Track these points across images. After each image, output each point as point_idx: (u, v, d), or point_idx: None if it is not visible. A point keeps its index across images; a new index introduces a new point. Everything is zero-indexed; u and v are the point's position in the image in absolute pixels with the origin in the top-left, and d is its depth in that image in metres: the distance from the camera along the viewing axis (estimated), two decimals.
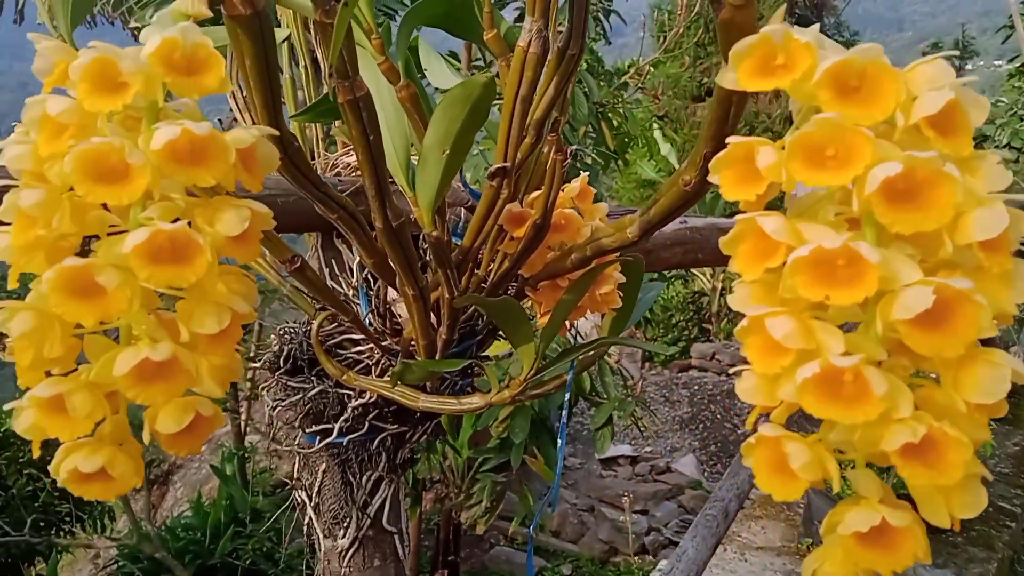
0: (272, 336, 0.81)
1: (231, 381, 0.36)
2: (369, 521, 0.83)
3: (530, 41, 0.51)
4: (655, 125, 7.21)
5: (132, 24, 5.25)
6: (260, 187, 0.37)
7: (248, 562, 4.53)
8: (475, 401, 0.73)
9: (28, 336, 0.32)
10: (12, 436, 4.54)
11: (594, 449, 6.88)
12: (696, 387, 7.57)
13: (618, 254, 0.65)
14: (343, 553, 0.83)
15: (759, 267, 0.31)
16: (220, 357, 0.35)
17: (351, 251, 0.77)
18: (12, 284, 0.34)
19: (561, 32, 0.58)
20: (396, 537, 0.85)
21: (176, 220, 0.34)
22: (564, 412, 0.82)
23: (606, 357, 1.97)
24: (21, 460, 4.49)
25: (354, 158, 0.85)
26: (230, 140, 0.34)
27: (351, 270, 0.78)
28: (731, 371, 0.34)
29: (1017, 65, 10.89)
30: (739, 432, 7.34)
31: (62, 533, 4.59)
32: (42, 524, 4.38)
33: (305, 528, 0.85)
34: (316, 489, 0.82)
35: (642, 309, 0.83)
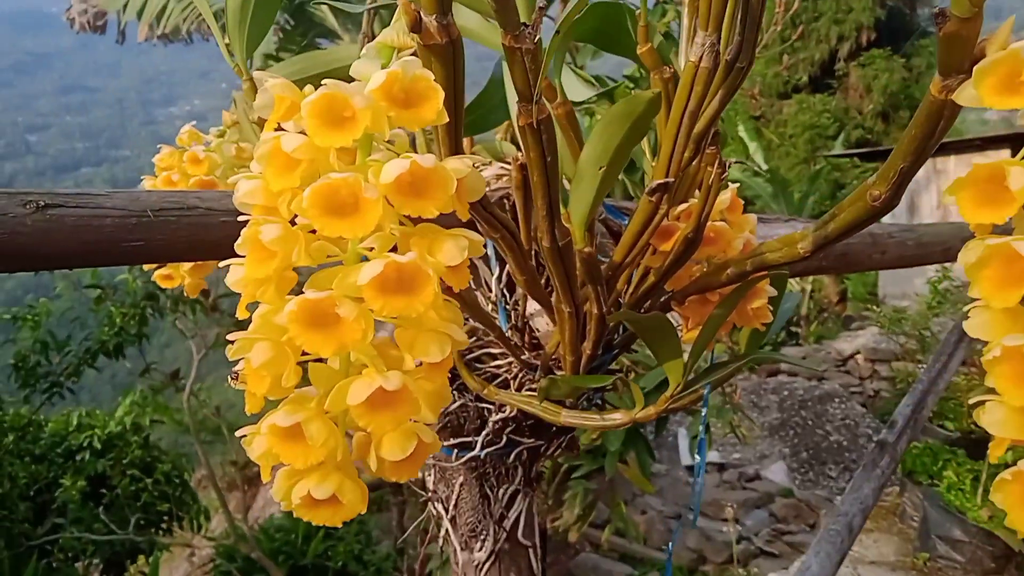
0: None
1: (442, 406, 0.37)
2: (505, 535, 0.83)
3: (702, 56, 0.50)
4: (740, 125, 7.08)
5: (226, 40, 5.45)
6: (468, 215, 0.37)
7: (339, 564, 4.62)
8: (618, 417, 0.72)
9: (267, 366, 0.33)
10: (117, 439, 4.73)
11: (679, 455, 6.80)
12: (785, 392, 7.38)
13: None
14: (479, 566, 0.83)
15: (1011, 295, 0.30)
16: (437, 384, 0.35)
17: (488, 266, 0.78)
18: (243, 314, 0.35)
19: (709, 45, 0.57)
20: (531, 550, 0.85)
21: (393, 249, 0.34)
22: (702, 427, 0.81)
23: (701, 362, 1.92)
24: (124, 462, 4.67)
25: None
26: (441, 173, 0.34)
27: (487, 285, 0.79)
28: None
29: None
30: (831, 439, 7.13)
31: (161, 532, 4.77)
32: (143, 523, 4.55)
33: (440, 540, 0.86)
34: (453, 502, 0.83)
35: (781, 321, 0.81)
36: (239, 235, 0.59)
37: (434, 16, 0.40)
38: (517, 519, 0.82)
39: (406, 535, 4.76)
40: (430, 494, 0.85)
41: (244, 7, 0.59)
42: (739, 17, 0.50)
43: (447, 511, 0.83)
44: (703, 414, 0.77)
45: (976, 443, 2.25)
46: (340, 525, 0.34)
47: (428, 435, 0.35)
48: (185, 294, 0.92)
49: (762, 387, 7.62)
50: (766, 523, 5.69)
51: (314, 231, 0.34)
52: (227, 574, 4.54)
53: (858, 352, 8.23)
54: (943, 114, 0.39)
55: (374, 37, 1.03)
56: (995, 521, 1.99)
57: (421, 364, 0.35)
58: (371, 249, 0.35)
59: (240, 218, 0.34)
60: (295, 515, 0.35)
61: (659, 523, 5.80)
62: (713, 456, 6.58)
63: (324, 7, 4.95)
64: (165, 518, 4.74)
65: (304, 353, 0.34)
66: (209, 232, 0.61)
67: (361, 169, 0.34)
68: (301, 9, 4.96)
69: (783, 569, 5.02)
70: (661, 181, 0.56)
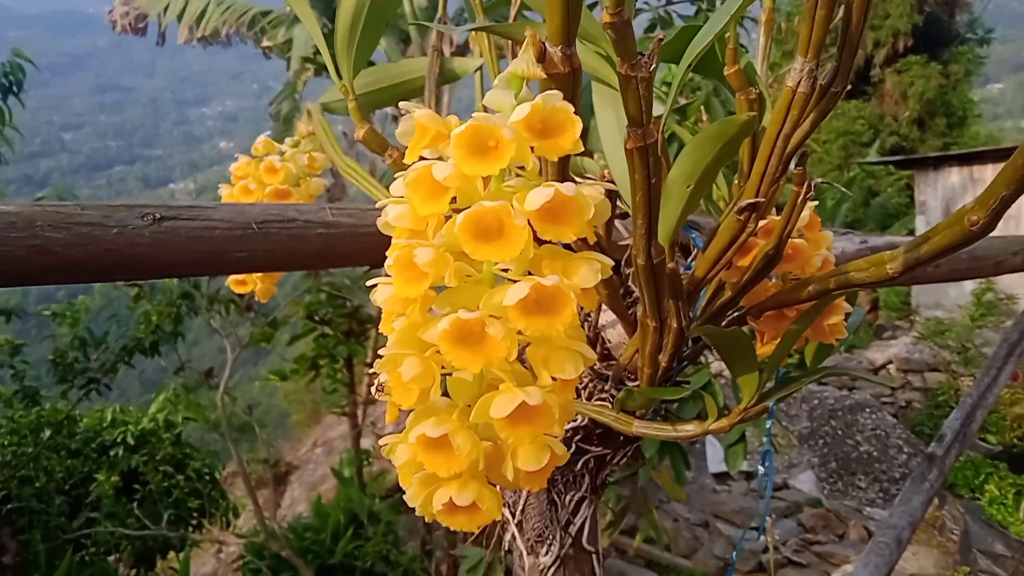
0: None
1: (566, 421, 0.38)
2: (571, 540, 0.85)
3: (800, 81, 0.52)
4: None
5: (264, 43, 5.52)
6: (594, 238, 0.39)
7: (368, 564, 4.65)
8: (690, 428, 0.73)
9: (416, 380, 0.35)
10: (149, 435, 4.80)
11: (706, 463, 6.78)
12: (815, 401, 7.33)
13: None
14: (544, 571, 0.85)
15: None
16: (565, 399, 0.37)
17: None
18: (387, 330, 0.37)
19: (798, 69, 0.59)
20: (594, 556, 0.87)
21: (528, 273, 0.36)
22: (767, 439, 0.82)
23: None
24: (157, 458, 4.73)
25: None
26: (581, 200, 0.36)
27: None
28: None
29: None
30: (861, 450, 7.07)
31: (191, 528, 4.82)
32: (174, 519, 4.60)
33: (505, 545, 0.88)
34: (520, 507, 0.85)
35: (848, 334, 0.82)
36: (335, 248, 0.61)
37: (559, 47, 0.42)
38: (582, 525, 0.84)
39: (434, 536, 4.78)
40: None
41: (353, 28, 0.61)
42: (839, 44, 0.52)
43: (513, 516, 0.85)
44: (768, 425, 0.79)
45: (1018, 457, 2.24)
46: (476, 530, 0.36)
47: (559, 448, 0.37)
48: (256, 298, 0.95)
49: (792, 396, 7.56)
50: (794, 532, 5.65)
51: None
52: (256, 571, 4.59)
53: (890, 362, 8.15)
54: None
55: (441, 51, 1.04)
56: None
57: (555, 380, 0.37)
58: (505, 271, 0.37)
59: (395, 240, 0.36)
60: (434, 519, 0.37)
61: (685, 530, 5.78)
62: (742, 465, 6.53)
63: None
64: (195, 514, 4.79)
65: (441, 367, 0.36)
66: (307, 243, 0.63)
67: (503, 195, 0.36)
68: (331, 10, 5.00)
69: None
70: (752, 201, 0.58)
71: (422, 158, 0.39)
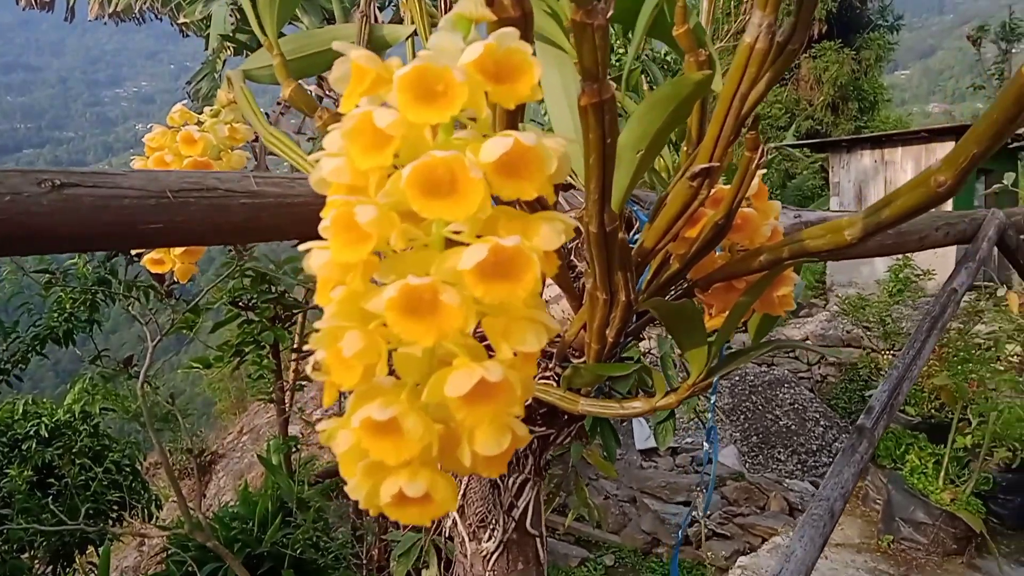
0: None
1: (526, 399, 0.35)
2: (514, 524, 0.82)
3: (758, 36, 0.49)
4: None
5: (181, 19, 5.29)
6: (554, 197, 0.35)
7: (297, 551, 4.57)
8: (638, 405, 0.71)
9: (359, 355, 0.31)
10: (64, 427, 4.61)
11: (633, 440, 6.87)
12: (736, 377, 7.52)
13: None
14: (487, 556, 0.82)
15: None
16: (526, 375, 0.34)
17: None
18: (324, 301, 0.33)
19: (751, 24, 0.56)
20: (537, 540, 0.84)
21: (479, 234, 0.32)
22: (711, 415, 0.80)
23: (670, 349, 1.95)
24: (73, 450, 4.56)
25: None
26: (542, 152, 0.32)
27: None
28: None
29: None
30: (780, 423, 7.28)
31: (112, 522, 4.66)
32: (92, 513, 4.44)
33: (445, 531, 0.84)
34: (461, 492, 0.82)
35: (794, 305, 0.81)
36: (260, 219, 0.56)
37: None
38: (526, 508, 0.81)
39: (364, 521, 4.72)
40: None
41: None
42: None
43: None
44: (712, 401, 0.77)
45: (936, 427, 2.31)
46: (429, 524, 0.32)
47: (520, 428, 0.33)
48: (175, 279, 0.89)
49: None
50: (718, 506, 5.79)
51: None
52: (180, 563, 4.45)
53: (807, 339, 8.41)
54: None
55: (369, 17, 0.99)
56: (957, 503, 2.04)
57: (516, 354, 0.33)
58: (457, 234, 0.33)
59: (331, 199, 0.32)
60: (379, 513, 0.33)
61: (613, 507, 5.86)
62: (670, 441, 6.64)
63: None
64: (115, 507, 4.63)
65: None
66: (229, 214, 0.58)
67: (455, 146, 0.32)
68: None
69: (735, 551, 5.12)
70: (705, 165, 0.55)
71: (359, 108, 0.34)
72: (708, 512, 5.68)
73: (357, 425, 0.31)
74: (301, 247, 0.33)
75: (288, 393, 5.46)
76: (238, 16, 4.93)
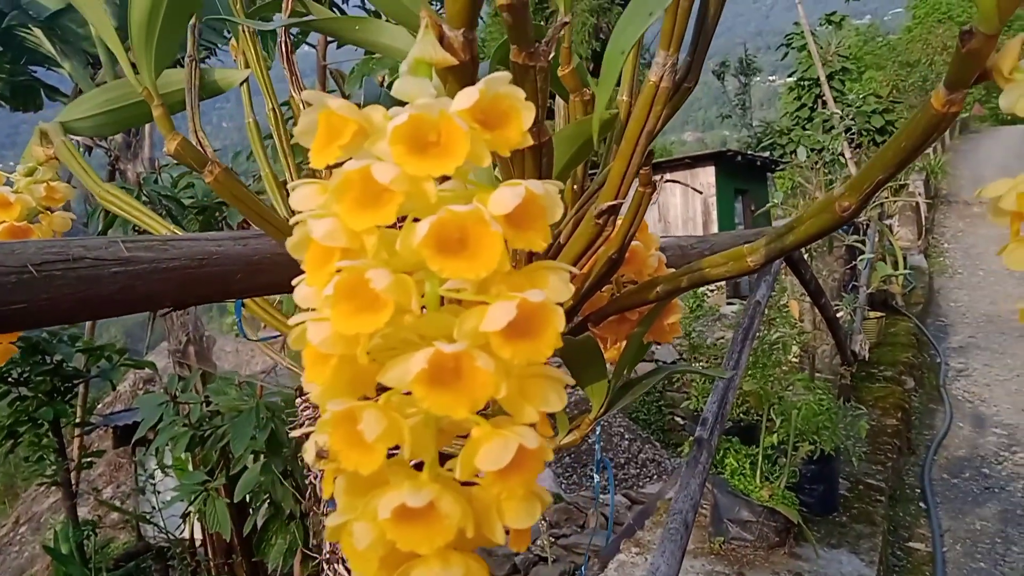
0: (299, 399, 0.74)
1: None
2: None
3: (662, 76, 0.50)
4: None
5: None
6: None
7: None
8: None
9: (382, 438, 0.28)
10: None
11: None
12: None
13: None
14: None
15: None
16: (547, 438, 0.32)
17: None
18: (315, 378, 0.29)
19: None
20: None
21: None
22: (598, 447, 0.81)
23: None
24: None
25: None
26: (548, 200, 0.31)
27: None
28: None
29: (796, 79, 12.07)
30: (588, 442, 7.55)
31: None
32: None
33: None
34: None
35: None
36: (135, 288, 0.50)
37: (461, 31, 0.37)
38: None
39: None
40: (327, 555, 0.77)
41: (152, 22, 0.50)
42: (693, 37, 0.51)
43: (349, 572, 0.76)
44: (597, 432, 0.78)
45: (747, 430, 2.49)
46: None
47: (546, 495, 0.31)
48: None
49: None
50: (540, 531, 5.88)
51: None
52: None
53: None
54: (940, 127, 0.41)
55: (195, 60, 0.93)
56: (775, 499, 2.20)
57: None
58: (458, 291, 0.31)
59: (313, 264, 0.29)
60: None
61: None
62: None
63: (39, 33, 4.44)
64: None
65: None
66: (100, 286, 0.51)
67: (459, 200, 0.30)
68: (10, 34, 4.41)
69: (562, 572, 5.22)
70: (612, 203, 0.55)
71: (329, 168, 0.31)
72: (533, 538, 5.76)
73: (388, 516, 0.27)
74: (291, 320, 0.30)
75: (74, 472, 4.95)
76: None
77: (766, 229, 1.68)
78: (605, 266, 0.64)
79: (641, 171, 0.60)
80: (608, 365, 0.75)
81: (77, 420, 4.92)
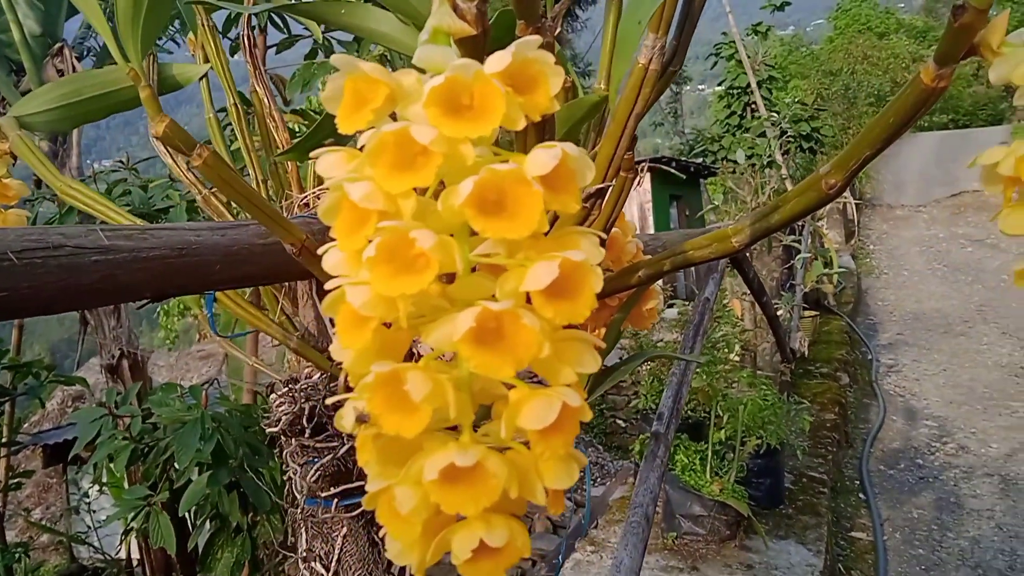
0: (274, 395, 0.73)
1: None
2: None
3: (651, 58, 0.51)
4: None
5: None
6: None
7: None
8: None
9: (428, 399, 0.27)
10: None
11: None
12: None
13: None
14: None
15: None
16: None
17: None
18: (350, 343, 0.29)
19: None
20: None
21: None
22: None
23: None
24: None
25: None
26: (580, 163, 0.31)
27: None
28: None
29: (725, 87, 12.34)
30: None
31: None
32: None
33: None
34: (335, 557, 0.75)
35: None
36: (116, 278, 0.49)
37: (475, 3, 0.37)
38: (405, 567, 0.76)
39: None
40: (303, 554, 0.75)
41: (137, 5, 0.48)
42: (679, 21, 0.52)
43: (328, 568, 0.74)
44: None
45: (695, 427, 2.53)
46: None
47: (581, 457, 0.31)
48: None
49: None
50: None
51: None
52: None
53: None
54: (928, 101, 0.43)
55: (153, 55, 0.91)
56: (725, 493, 2.24)
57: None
58: (490, 256, 0.31)
59: (344, 229, 0.28)
60: (461, 572, 0.29)
61: None
62: None
63: None
64: None
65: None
66: (81, 275, 0.49)
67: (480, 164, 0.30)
68: None
69: None
70: (600, 186, 0.56)
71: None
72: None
73: (435, 476, 0.27)
74: (328, 285, 0.29)
75: (2, 495, 4.75)
76: None
77: (710, 228, 1.71)
78: None
79: (625, 156, 0.60)
80: None
81: (3, 440, 4.71)
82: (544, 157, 0.29)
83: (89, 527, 4.54)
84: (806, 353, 4.46)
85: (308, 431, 0.69)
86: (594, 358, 0.31)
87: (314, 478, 0.72)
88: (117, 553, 4.46)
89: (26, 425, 7.18)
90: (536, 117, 0.31)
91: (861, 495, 3.48)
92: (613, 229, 0.68)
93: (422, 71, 0.32)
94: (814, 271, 4.95)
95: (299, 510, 0.74)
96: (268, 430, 0.74)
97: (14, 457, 5.29)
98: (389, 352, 0.31)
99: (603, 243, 0.65)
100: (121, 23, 0.49)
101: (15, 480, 4.87)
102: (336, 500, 0.72)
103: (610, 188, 0.57)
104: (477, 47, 0.38)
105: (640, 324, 0.71)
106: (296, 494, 0.73)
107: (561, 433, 0.29)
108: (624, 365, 0.73)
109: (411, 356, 0.33)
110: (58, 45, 4.14)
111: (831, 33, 21.66)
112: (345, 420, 0.29)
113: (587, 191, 0.57)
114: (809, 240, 4.90)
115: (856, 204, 10.25)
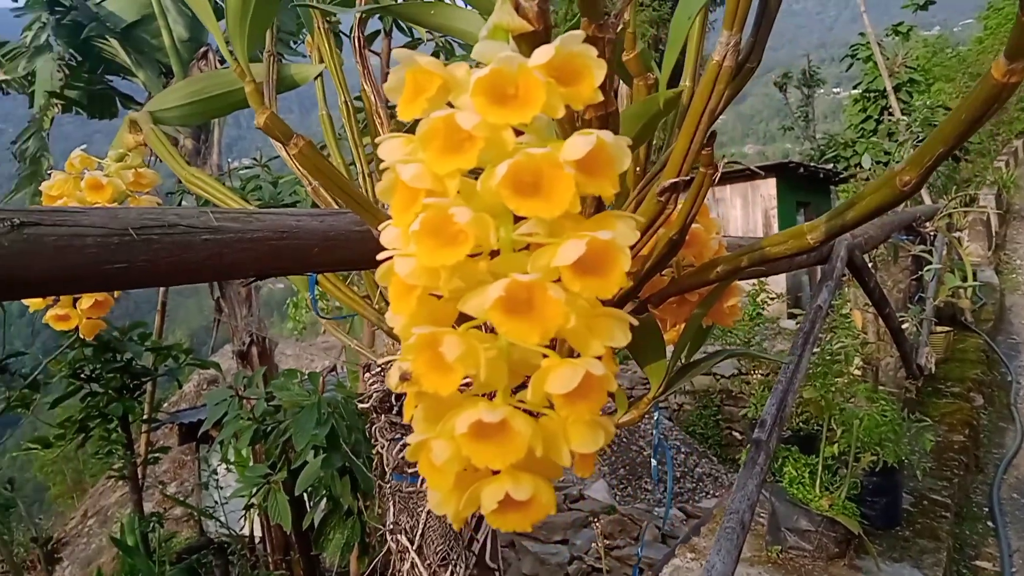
0: (368, 374, 0.78)
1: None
2: (475, 559, 0.80)
3: (726, 55, 0.52)
4: None
5: (1, 76, 4.95)
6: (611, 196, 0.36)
7: None
8: None
9: (461, 360, 0.30)
10: None
11: None
12: None
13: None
14: None
15: None
16: (613, 371, 0.34)
17: None
18: (400, 309, 0.32)
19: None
20: (497, 574, 0.83)
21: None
22: (657, 431, 0.82)
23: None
24: None
25: None
26: (617, 150, 0.33)
27: None
28: None
29: (861, 91, 11.85)
30: (645, 454, 7.49)
31: None
32: None
33: (406, 572, 0.81)
34: (419, 531, 0.79)
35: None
36: (223, 256, 0.54)
37: (536, 1, 0.39)
38: (484, 542, 0.80)
39: None
40: (390, 526, 0.80)
41: (244, 7, 0.54)
42: (756, 18, 0.53)
43: (412, 542, 0.79)
44: (656, 417, 0.79)
45: (806, 439, 2.45)
46: (530, 529, 0.32)
47: (608, 424, 0.33)
48: (81, 335, 0.82)
49: None
50: (594, 541, 5.86)
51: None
52: None
53: None
54: (1001, 97, 0.42)
55: (273, 56, 0.97)
56: (835, 509, 2.17)
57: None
58: (531, 235, 0.33)
59: (399, 207, 0.31)
60: (489, 522, 0.32)
61: None
62: None
63: (115, 44, 4.62)
64: None
65: None
66: (192, 252, 0.55)
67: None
68: (88, 45, 4.61)
69: None
70: (674, 180, 0.57)
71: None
72: (584, 549, 5.75)
73: (464, 431, 0.30)
74: (380, 256, 0.33)
75: (141, 467, 5.11)
76: (66, 71, 4.66)
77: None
78: (666, 247, 0.66)
79: (703, 151, 0.61)
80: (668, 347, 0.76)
81: (145, 417, 5.07)
82: (580, 143, 0.31)
83: (216, 502, 4.82)
84: (933, 370, 4.23)
85: (396, 408, 0.74)
86: (624, 334, 0.33)
87: (401, 454, 0.76)
88: (241, 530, 4.73)
89: (165, 405, 7.71)
90: (579, 106, 0.34)
91: (990, 523, 3.28)
92: (694, 225, 0.69)
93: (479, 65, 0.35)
94: (948, 284, 4.69)
95: (388, 484, 0.79)
96: (360, 406, 0.79)
97: (153, 434, 5.69)
98: (438, 321, 0.34)
99: (683, 239, 0.66)
100: (230, 23, 0.54)
101: (153, 455, 5.23)
102: (421, 476, 0.76)
103: (684, 182, 0.58)
104: (538, 43, 0.40)
105: (722, 320, 0.72)
106: (385, 468, 0.78)
107: (586, 400, 0.31)
108: (704, 361, 0.73)
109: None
110: (203, 49, 4.43)
111: (980, 33, 20.43)
112: (391, 378, 0.33)
113: (662, 186, 0.58)
114: (944, 251, 4.66)
115: (1000, 215, 9.62)
